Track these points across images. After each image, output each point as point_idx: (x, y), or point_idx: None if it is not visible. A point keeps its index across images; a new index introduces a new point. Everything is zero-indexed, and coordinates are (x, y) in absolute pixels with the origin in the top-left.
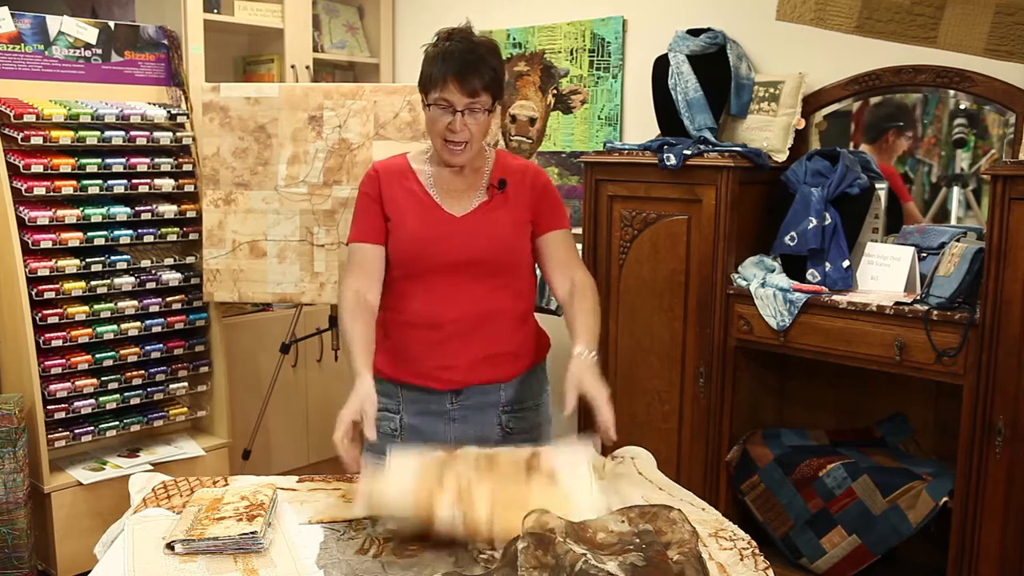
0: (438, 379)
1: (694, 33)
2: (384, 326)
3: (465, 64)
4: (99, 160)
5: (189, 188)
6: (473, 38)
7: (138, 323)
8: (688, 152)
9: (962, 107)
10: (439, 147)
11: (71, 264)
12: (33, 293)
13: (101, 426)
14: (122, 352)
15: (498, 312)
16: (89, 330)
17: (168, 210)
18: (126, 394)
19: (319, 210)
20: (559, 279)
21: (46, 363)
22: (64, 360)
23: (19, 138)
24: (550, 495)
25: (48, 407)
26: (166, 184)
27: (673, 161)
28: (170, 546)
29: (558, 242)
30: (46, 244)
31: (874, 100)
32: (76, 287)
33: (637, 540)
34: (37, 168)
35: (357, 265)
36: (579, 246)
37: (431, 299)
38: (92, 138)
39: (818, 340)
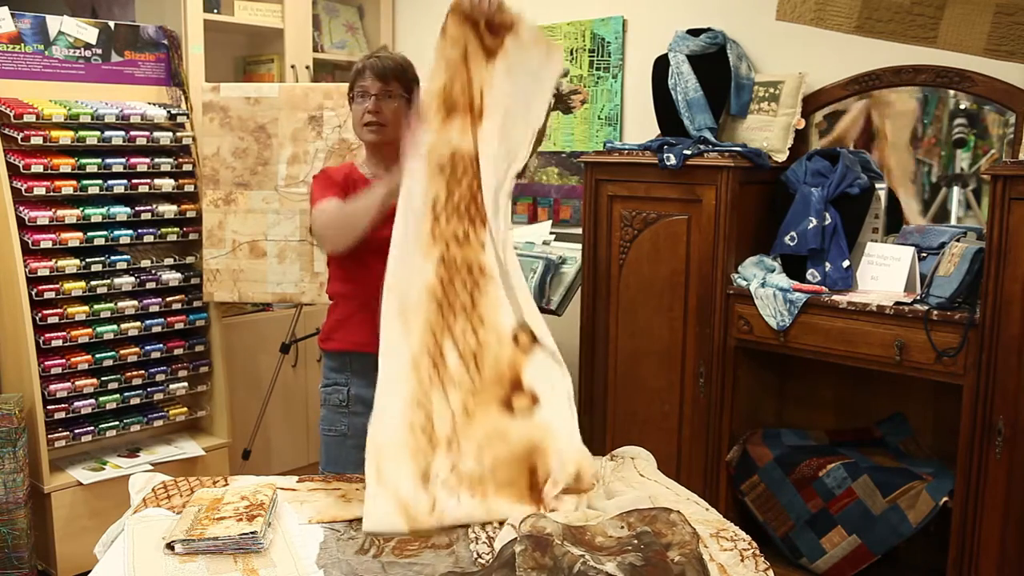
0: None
1: (694, 33)
2: (332, 304)
3: (379, 61)
4: (99, 160)
5: (189, 188)
6: (390, 54)
7: (138, 323)
8: (688, 152)
9: (962, 107)
10: (360, 132)
11: (71, 264)
12: (33, 293)
13: (101, 426)
14: (122, 352)
15: None
16: (89, 330)
17: (168, 210)
18: (126, 394)
19: None
20: None
21: (46, 363)
22: (64, 360)
23: (19, 138)
24: (531, 427)
25: (48, 407)
26: (166, 184)
27: (673, 161)
28: (170, 546)
29: None
30: (46, 244)
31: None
32: (76, 287)
33: (636, 541)
34: (37, 168)
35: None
36: (579, 246)
37: (371, 275)
38: (92, 138)
39: (818, 340)
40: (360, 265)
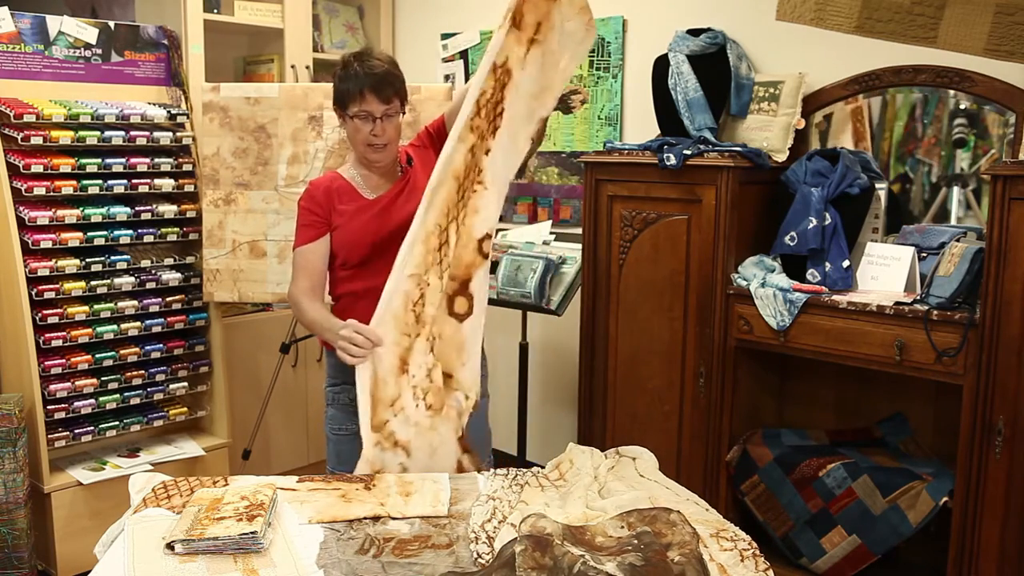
0: None
1: (694, 33)
2: (338, 311)
3: (377, 78)
4: (99, 160)
5: (189, 188)
6: (377, 57)
7: (138, 323)
8: (688, 152)
9: (962, 107)
10: (363, 152)
11: (71, 264)
12: (33, 293)
13: (101, 426)
14: (122, 352)
15: None
16: (89, 330)
17: (168, 210)
18: (126, 394)
19: None
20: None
21: (46, 363)
22: (64, 360)
23: (19, 138)
24: (457, 336)
25: (48, 407)
26: (166, 184)
27: (673, 161)
28: (170, 546)
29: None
30: (46, 244)
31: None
32: (76, 287)
33: (636, 541)
34: (37, 168)
35: (303, 268)
36: (579, 246)
37: (378, 276)
38: (92, 138)
39: (818, 340)
40: (369, 266)
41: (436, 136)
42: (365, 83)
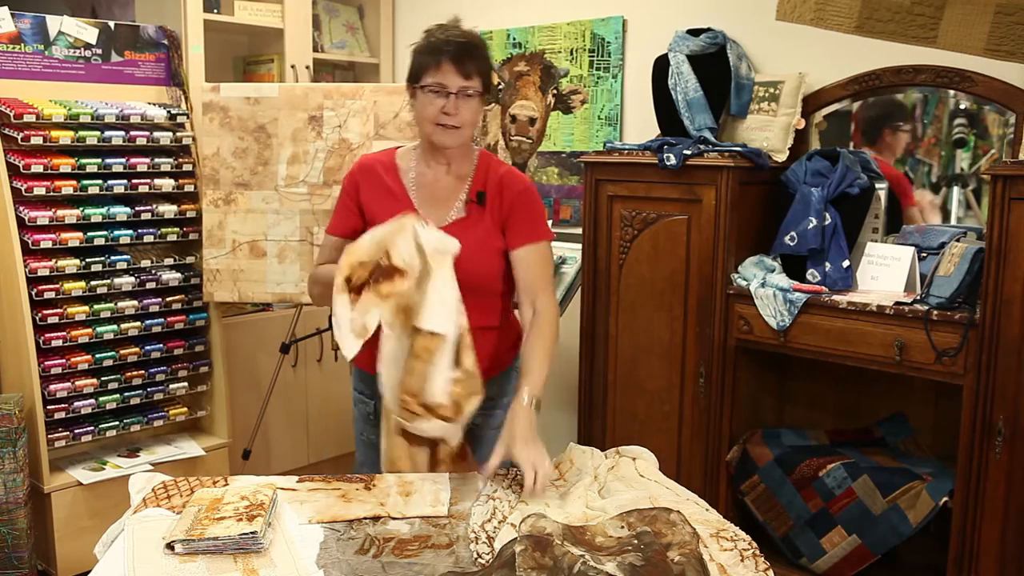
0: None
1: (694, 33)
2: None
3: (460, 48)
4: (99, 160)
5: (189, 188)
6: (464, 30)
7: (138, 323)
8: (688, 152)
9: (962, 107)
10: (430, 132)
11: (71, 264)
12: (33, 293)
13: (101, 426)
14: (122, 352)
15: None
16: (89, 330)
17: (168, 210)
18: (126, 394)
19: (319, 210)
20: (523, 302)
21: (46, 363)
22: (64, 360)
23: (19, 138)
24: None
25: (48, 407)
26: (166, 184)
27: (673, 161)
28: (170, 546)
29: (526, 261)
30: (46, 244)
31: (868, 100)
32: (76, 287)
33: (636, 541)
34: (37, 168)
35: (328, 254)
36: (579, 246)
37: None
38: (92, 138)
39: (818, 340)
40: None
41: (514, 204)
42: (444, 52)
